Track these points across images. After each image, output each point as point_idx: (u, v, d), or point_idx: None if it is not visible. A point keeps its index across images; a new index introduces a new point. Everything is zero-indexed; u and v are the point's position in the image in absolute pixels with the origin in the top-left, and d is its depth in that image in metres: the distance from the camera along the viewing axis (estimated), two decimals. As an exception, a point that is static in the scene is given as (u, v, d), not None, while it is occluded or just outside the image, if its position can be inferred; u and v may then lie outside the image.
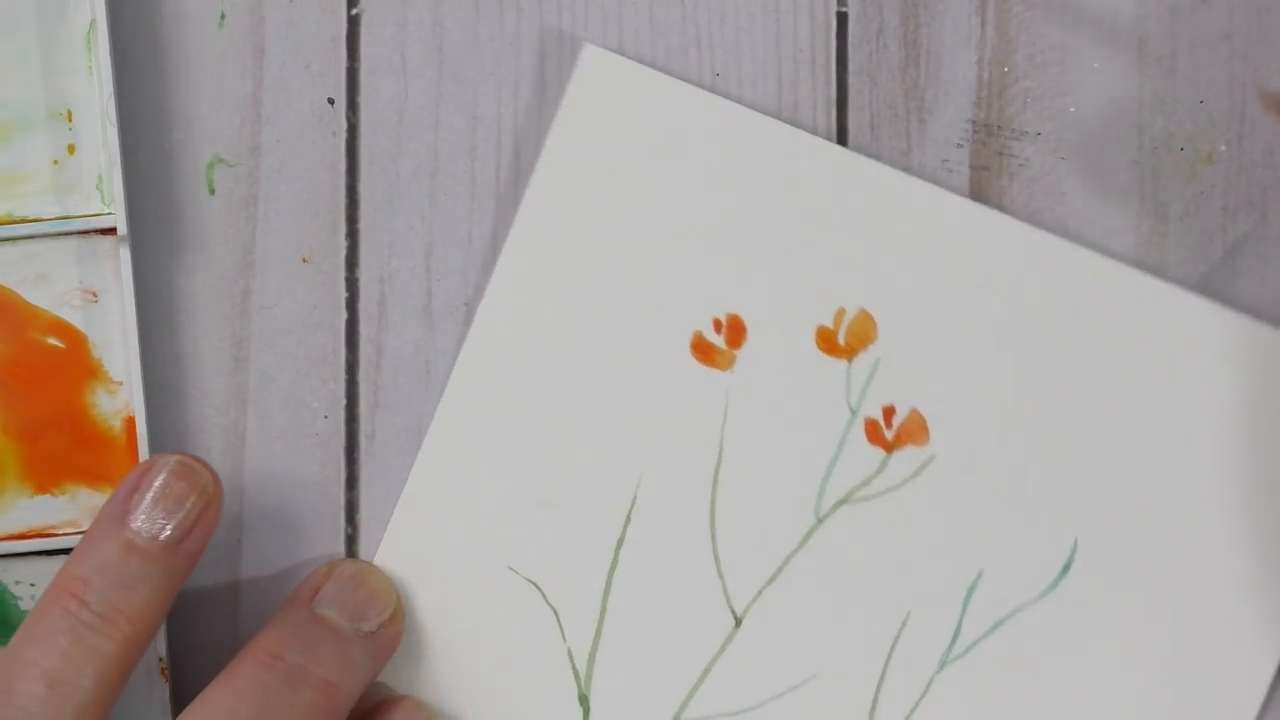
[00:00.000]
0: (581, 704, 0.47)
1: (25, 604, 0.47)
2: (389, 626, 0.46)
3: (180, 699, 0.47)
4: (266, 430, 0.48)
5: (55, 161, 0.47)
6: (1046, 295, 0.46)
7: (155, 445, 0.47)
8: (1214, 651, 0.46)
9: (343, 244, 0.48)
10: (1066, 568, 0.46)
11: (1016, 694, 0.46)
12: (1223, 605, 0.46)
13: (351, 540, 0.48)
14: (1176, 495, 0.46)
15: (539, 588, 0.47)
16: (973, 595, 0.46)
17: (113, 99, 0.46)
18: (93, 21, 0.46)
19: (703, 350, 0.47)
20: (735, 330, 0.47)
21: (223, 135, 0.48)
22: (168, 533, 0.43)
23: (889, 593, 0.46)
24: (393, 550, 0.47)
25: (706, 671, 0.47)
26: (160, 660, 0.46)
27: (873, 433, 0.47)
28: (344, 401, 0.48)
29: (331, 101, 0.48)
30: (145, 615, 0.42)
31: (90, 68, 0.47)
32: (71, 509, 0.47)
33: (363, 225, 0.48)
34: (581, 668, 0.47)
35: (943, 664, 0.46)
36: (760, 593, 0.47)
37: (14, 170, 0.47)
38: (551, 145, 0.47)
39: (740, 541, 0.47)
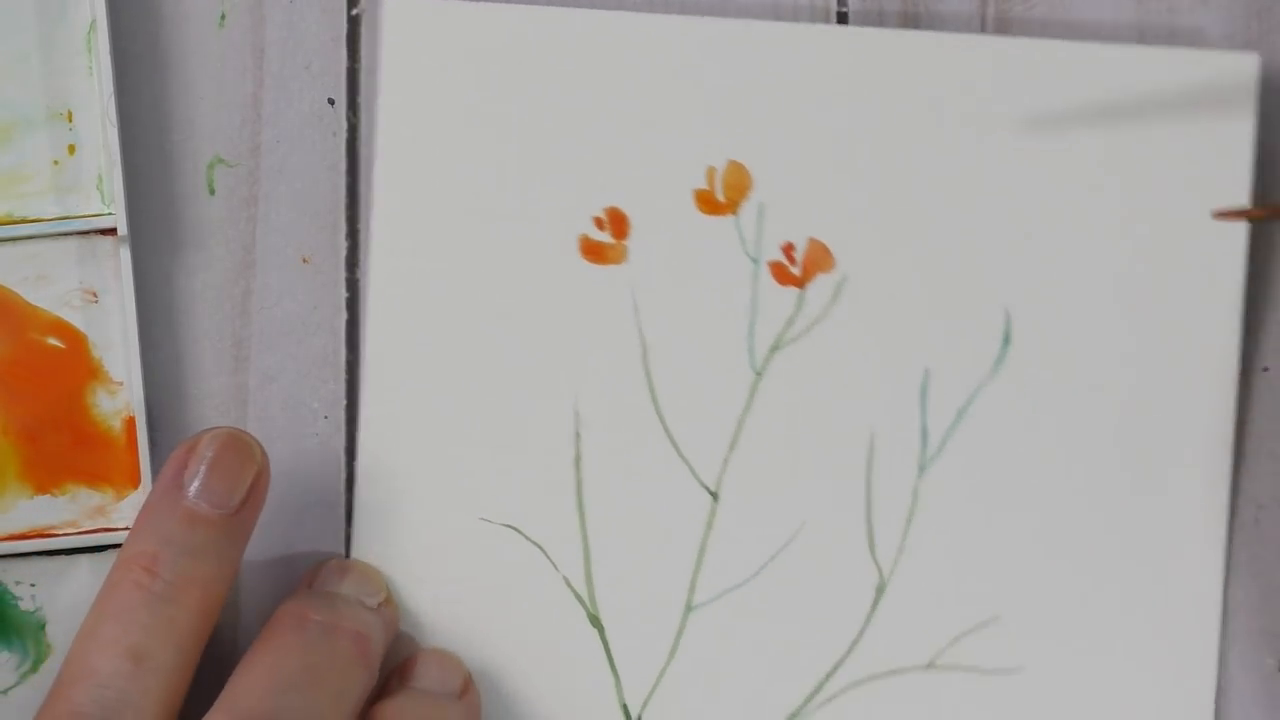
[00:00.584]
0: (594, 624, 0.47)
1: (25, 604, 0.47)
2: (387, 606, 0.46)
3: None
4: (266, 430, 0.48)
5: (55, 161, 0.47)
6: (905, 85, 0.47)
7: (155, 445, 0.47)
8: (1175, 385, 0.47)
9: (343, 244, 0.48)
10: (1007, 339, 0.47)
11: (1001, 474, 0.47)
12: (1174, 336, 0.47)
13: (351, 540, 0.48)
14: (1092, 237, 0.46)
15: (517, 529, 0.47)
16: (927, 395, 0.47)
17: (113, 99, 0.46)
18: (93, 21, 0.46)
19: (593, 251, 0.47)
20: (618, 222, 0.47)
21: (223, 135, 0.48)
22: (229, 500, 0.43)
23: (847, 420, 0.47)
24: (365, 541, 0.47)
25: (702, 554, 0.47)
26: (160, 660, 0.46)
27: (780, 274, 0.47)
28: (344, 401, 0.48)
29: (332, 102, 0.48)
30: (215, 584, 0.43)
31: (90, 68, 0.47)
32: (71, 509, 0.47)
33: (363, 225, 0.48)
34: (582, 591, 0.47)
35: (922, 469, 0.47)
36: (726, 462, 0.47)
37: (14, 170, 0.47)
38: (386, 101, 0.47)
39: (691, 420, 0.47)
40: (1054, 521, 0.47)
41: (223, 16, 0.48)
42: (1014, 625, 0.47)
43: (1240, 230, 0.46)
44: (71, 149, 0.47)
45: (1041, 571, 0.47)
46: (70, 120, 0.47)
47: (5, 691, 0.47)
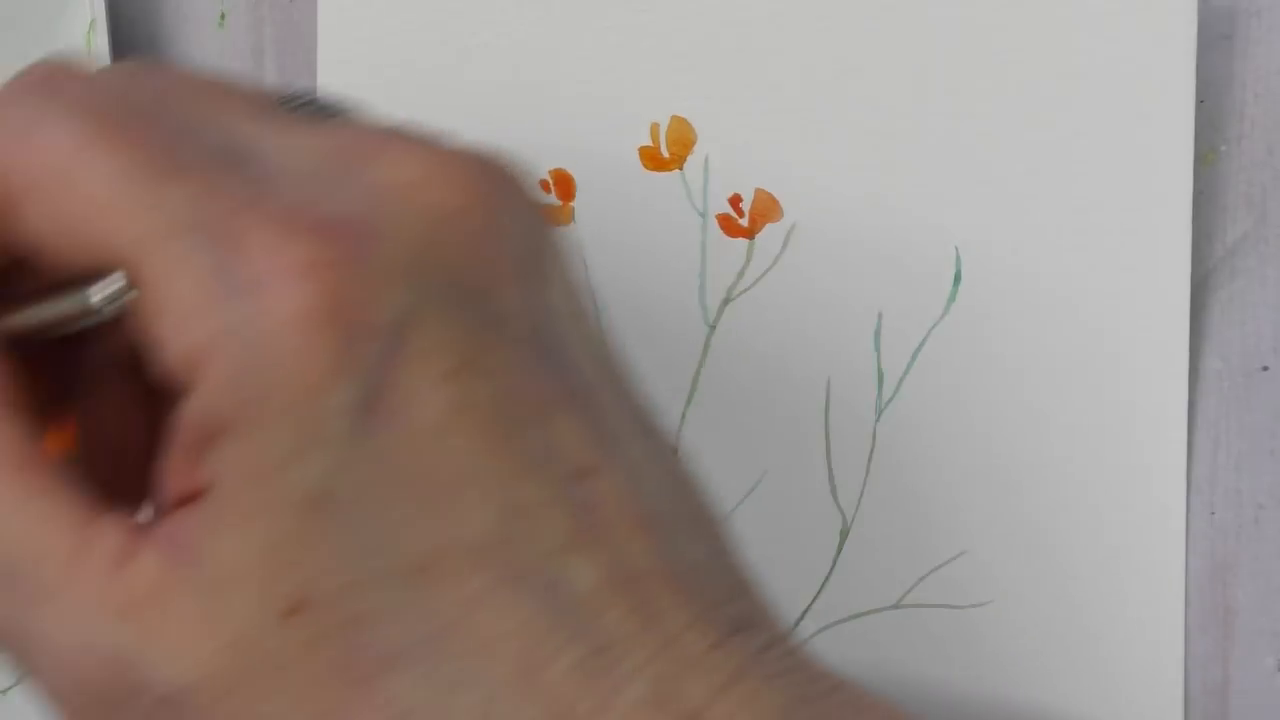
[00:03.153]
0: None
1: (25, 604, 0.47)
2: None
3: (180, 699, 0.47)
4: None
5: (55, 161, 0.47)
6: (843, 27, 0.47)
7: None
8: (1128, 310, 0.47)
9: (342, 244, 0.48)
10: (957, 277, 0.47)
11: (959, 411, 0.47)
12: (1125, 263, 0.47)
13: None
14: (1039, 169, 0.47)
15: None
16: (880, 338, 0.47)
17: (112, 99, 0.46)
18: (93, 21, 0.46)
19: None
20: (563, 184, 0.47)
21: (222, 135, 0.48)
22: None
23: (802, 367, 0.47)
24: None
25: None
26: (160, 660, 0.46)
27: (728, 226, 0.47)
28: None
29: (331, 101, 0.48)
30: None
31: (90, 68, 0.47)
32: (71, 509, 0.47)
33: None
34: None
35: (879, 412, 0.47)
36: (684, 415, 0.47)
37: (14, 170, 0.47)
38: (323, 81, 0.47)
39: (645, 375, 0.47)
40: (1014, 454, 0.47)
41: (222, 16, 0.48)
42: (981, 560, 0.47)
43: (1185, 158, 0.46)
44: (71, 149, 0.47)
45: (1005, 505, 0.47)
46: (70, 120, 0.47)
47: (5, 691, 0.47)
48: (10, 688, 0.47)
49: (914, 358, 0.47)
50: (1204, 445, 0.47)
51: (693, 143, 0.47)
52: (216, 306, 0.31)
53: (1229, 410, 0.48)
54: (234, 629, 0.31)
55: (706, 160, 0.47)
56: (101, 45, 0.46)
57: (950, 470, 0.47)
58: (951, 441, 0.47)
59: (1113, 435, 0.47)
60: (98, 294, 0.32)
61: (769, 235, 0.47)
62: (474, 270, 0.32)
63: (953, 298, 0.47)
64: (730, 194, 0.47)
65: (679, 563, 0.33)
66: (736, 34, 0.47)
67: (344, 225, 0.31)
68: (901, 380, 0.47)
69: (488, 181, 0.33)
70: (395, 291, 0.31)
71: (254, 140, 0.32)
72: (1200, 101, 0.47)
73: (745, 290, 0.47)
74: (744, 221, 0.47)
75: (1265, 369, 0.48)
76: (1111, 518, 0.47)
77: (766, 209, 0.47)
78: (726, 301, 0.47)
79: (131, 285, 0.32)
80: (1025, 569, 0.47)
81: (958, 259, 0.47)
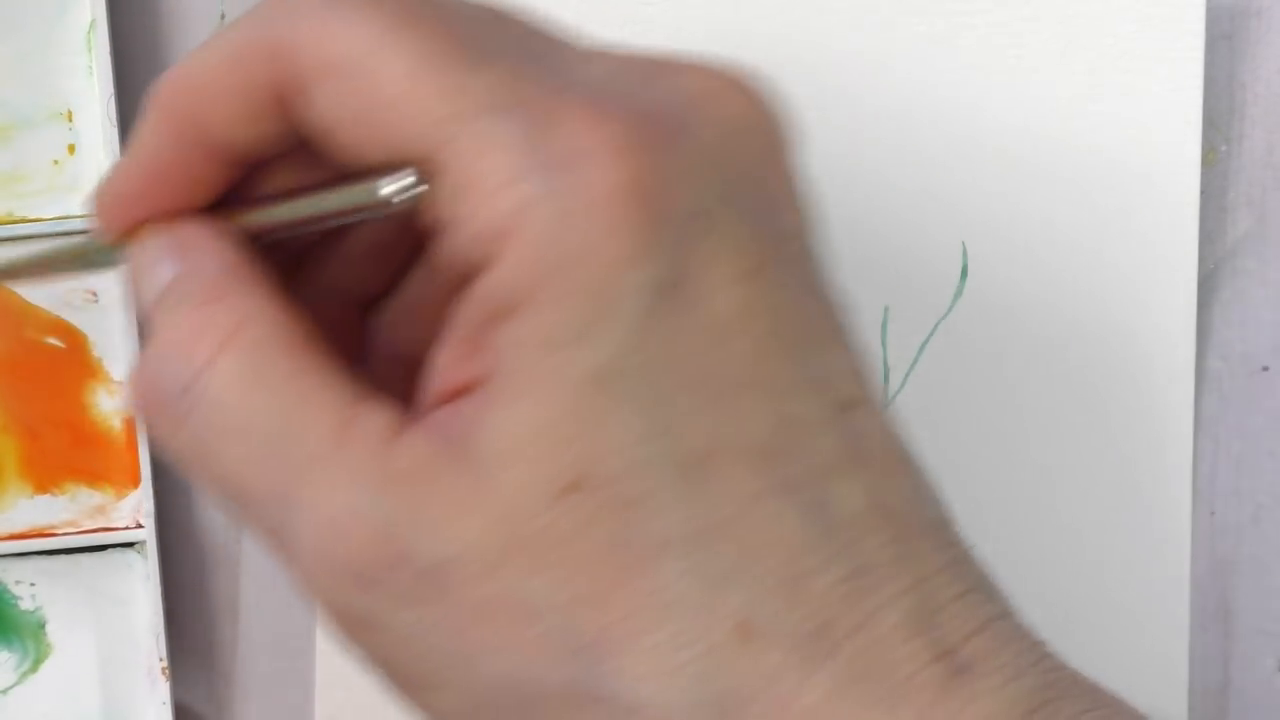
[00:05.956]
0: None
1: (25, 604, 0.47)
2: None
3: (180, 699, 0.47)
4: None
5: (55, 161, 0.47)
6: (853, 23, 0.47)
7: (156, 445, 0.47)
8: (1134, 308, 0.47)
9: (343, 244, 0.48)
10: (964, 273, 0.47)
11: (964, 406, 0.47)
12: (1131, 261, 0.47)
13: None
14: (1046, 166, 0.47)
15: None
16: (887, 332, 0.47)
17: (113, 99, 0.46)
18: (93, 21, 0.46)
19: None
20: None
21: (223, 135, 0.48)
22: None
23: None
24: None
25: None
26: (160, 660, 0.46)
27: None
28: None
29: (331, 101, 0.48)
30: None
31: (90, 68, 0.47)
32: (71, 509, 0.47)
33: (363, 225, 0.48)
34: None
35: (885, 406, 0.47)
36: None
37: (14, 170, 0.47)
38: None
39: None
40: (1019, 451, 0.47)
41: (223, 16, 0.48)
42: (984, 556, 0.47)
43: (1193, 156, 0.46)
44: (71, 149, 0.47)
45: (1009, 501, 0.47)
46: (70, 120, 0.47)
47: (5, 691, 0.47)
48: (11, 688, 0.47)
49: (920, 353, 0.47)
50: (1204, 445, 0.47)
51: None
52: (528, 177, 0.30)
53: (1229, 410, 0.48)
54: (505, 504, 0.30)
55: None
56: (102, 45, 0.46)
57: (955, 466, 0.47)
58: (956, 437, 0.47)
59: (1118, 432, 0.47)
60: (389, 186, 0.32)
61: None
62: (767, 182, 0.33)
63: (959, 293, 0.47)
64: None
65: (927, 510, 0.33)
66: (743, 25, 0.47)
67: (656, 115, 0.31)
68: (907, 375, 0.47)
69: (777, 108, 0.33)
70: (701, 182, 0.31)
71: (552, 46, 0.33)
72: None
73: None
74: None
75: (1265, 369, 0.48)
76: (1116, 515, 0.47)
77: None
78: None
79: (423, 180, 0.31)
80: (1029, 565, 0.47)
81: (965, 255, 0.47)
